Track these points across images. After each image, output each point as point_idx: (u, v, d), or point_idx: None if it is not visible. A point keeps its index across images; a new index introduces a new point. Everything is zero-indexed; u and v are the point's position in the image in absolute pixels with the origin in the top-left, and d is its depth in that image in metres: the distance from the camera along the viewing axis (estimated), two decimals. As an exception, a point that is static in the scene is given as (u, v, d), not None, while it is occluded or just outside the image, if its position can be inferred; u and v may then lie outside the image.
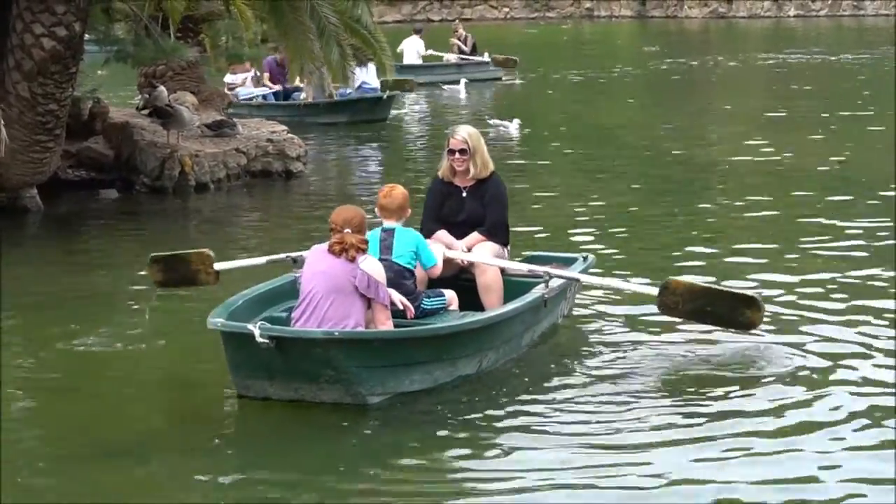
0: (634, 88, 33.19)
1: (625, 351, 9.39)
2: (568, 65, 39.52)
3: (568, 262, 10.25)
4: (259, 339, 7.88)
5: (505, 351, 9.08)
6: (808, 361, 9.03)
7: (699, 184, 17.36)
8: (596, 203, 15.96)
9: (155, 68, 21.37)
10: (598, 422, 7.89)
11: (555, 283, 9.51)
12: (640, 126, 24.21)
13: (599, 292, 10.85)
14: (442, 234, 9.98)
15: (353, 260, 8.38)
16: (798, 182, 16.82)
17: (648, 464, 7.26)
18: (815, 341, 9.52)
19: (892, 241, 12.92)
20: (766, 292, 10.73)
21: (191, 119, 17.87)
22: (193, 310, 10.78)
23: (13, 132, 14.37)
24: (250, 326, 7.98)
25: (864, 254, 12.46)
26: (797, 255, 12.48)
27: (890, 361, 8.98)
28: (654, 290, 9.22)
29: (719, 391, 8.42)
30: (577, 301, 10.53)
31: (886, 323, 9.94)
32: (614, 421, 7.90)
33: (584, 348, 9.57)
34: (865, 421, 7.85)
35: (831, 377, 8.69)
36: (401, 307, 8.75)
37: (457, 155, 9.97)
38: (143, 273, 11.45)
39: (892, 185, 15.95)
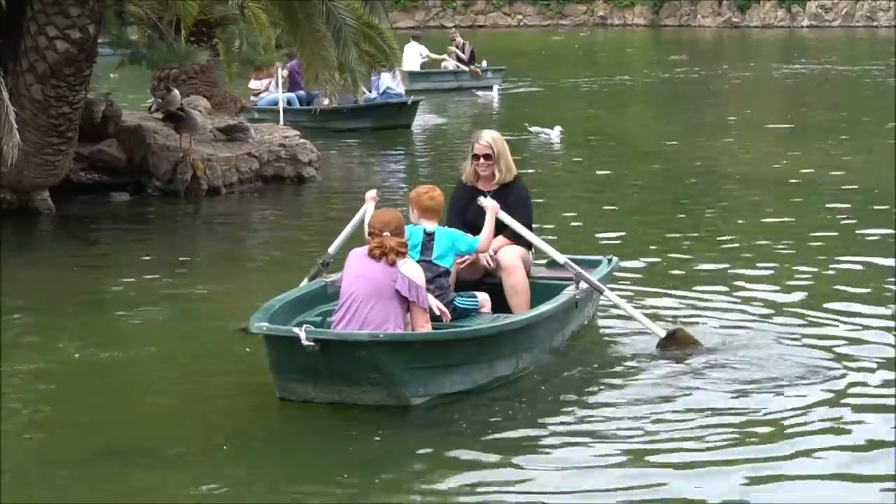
0: (667, 96, 33.14)
1: (649, 354, 9.40)
2: (601, 71, 39.65)
3: (593, 265, 10.20)
4: (305, 342, 7.93)
5: (539, 352, 9.13)
6: (831, 370, 9.03)
7: (724, 193, 17.36)
8: (618, 208, 16.07)
9: (168, 72, 21.40)
10: (631, 428, 7.93)
11: (584, 284, 9.58)
12: (666, 135, 24.07)
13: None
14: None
15: (393, 264, 8.42)
16: (820, 192, 16.85)
17: (685, 466, 7.31)
18: (836, 347, 9.53)
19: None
20: (783, 297, 10.82)
21: (203, 123, 17.88)
22: (204, 312, 10.81)
23: (26, 135, 14.37)
24: (296, 330, 8.03)
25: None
26: (812, 265, 12.47)
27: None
28: (662, 333, 9.40)
29: (755, 398, 8.44)
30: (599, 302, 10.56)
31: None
32: (644, 428, 7.92)
33: (610, 351, 9.63)
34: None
35: (857, 387, 8.67)
36: (437, 312, 8.82)
37: (481, 160, 10.00)
38: (177, 290, 11.54)
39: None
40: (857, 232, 14.05)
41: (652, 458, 7.39)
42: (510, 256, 9.77)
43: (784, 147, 21.51)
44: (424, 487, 7.15)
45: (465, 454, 7.51)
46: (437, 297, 8.94)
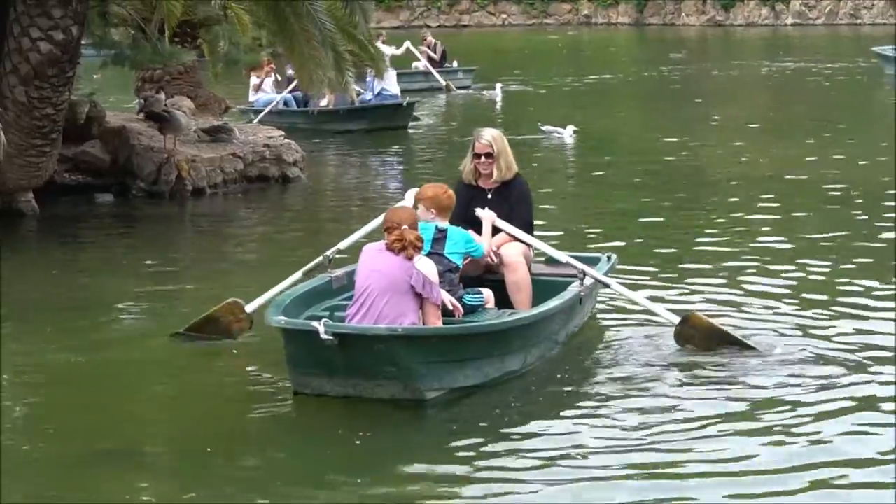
0: (668, 94, 33.22)
1: (647, 350, 9.54)
2: (591, 70, 39.71)
3: (592, 262, 10.30)
4: (323, 336, 8.02)
5: (546, 347, 9.28)
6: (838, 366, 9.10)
7: (717, 191, 17.43)
8: (615, 206, 16.24)
9: (152, 73, 21.37)
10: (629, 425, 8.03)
11: (588, 280, 9.70)
12: (663, 133, 24.04)
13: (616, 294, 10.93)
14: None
15: (410, 258, 8.55)
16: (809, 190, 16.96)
17: (696, 461, 7.41)
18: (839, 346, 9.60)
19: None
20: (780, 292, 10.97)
21: (187, 123, 17.86)
22: (189, 313, 10.79)
23: (10, 136, 14.36)
24: (314, 324, 8.11)
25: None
26: (805, 259, 12.58)
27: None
28: (675, 319, 9.49)
29: (757, 394, 8.53)
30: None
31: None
32: (649, 424, 8.01)
33: (612, 345, 9.76)
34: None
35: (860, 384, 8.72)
36: (450, 307, 8.95)
37: (482, 158, 10.11)
38: (163, 290, 11.58)
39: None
40: (854, 226, 14.20)
41: (661, 454, 7.50)
42: (513, 253, 9.90)
43: (783, 144, 21.54)
44: (439, 481, 7.22)
45: (479, 448, 7.61)
46: (446, 292, 9.05)
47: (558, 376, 8.99)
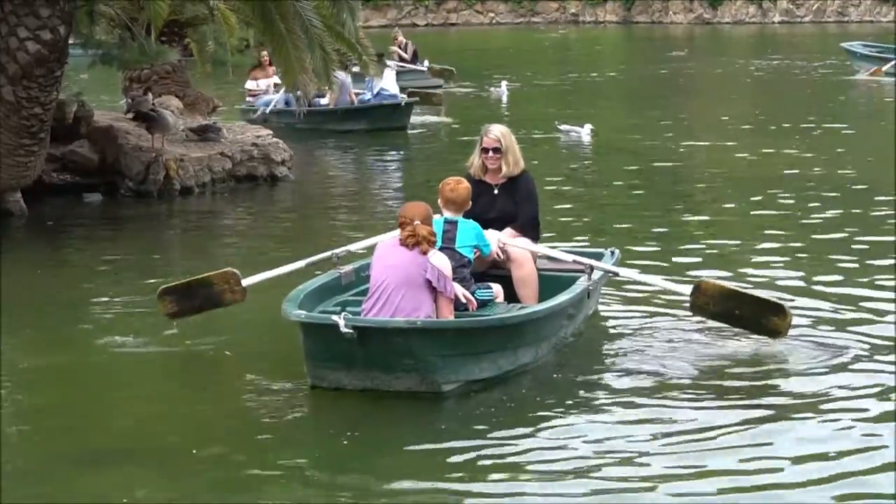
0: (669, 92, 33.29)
1: (653, 341, 9.72)
2: (586, 68, 39.77)
3: (597, 258, 10.43)
4: (343, 330, 8.13)
5: (556, 340, 9.44)
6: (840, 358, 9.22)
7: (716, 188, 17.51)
8: (617, 203, 16.40)
9: (140, 72, 21.38)
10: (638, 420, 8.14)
11: (596, 275, 9.86)
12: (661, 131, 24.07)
13: (621, 289, 11.05)
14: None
15: (425, 253, 8.67)
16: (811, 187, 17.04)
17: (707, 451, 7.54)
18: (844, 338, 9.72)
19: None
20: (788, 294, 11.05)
21: (175, 123, 17.87)
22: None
23: (-3, 136, 14.37)
24: (334, 317, 8.22)
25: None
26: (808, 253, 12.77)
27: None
28: (687, 290, 9.49)
29: (759, 385, 8.66)
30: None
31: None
32: (657, 418, 8.12)
33: (613, 338, 9.93)
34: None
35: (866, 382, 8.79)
36: (464, 301, 9.04)
37: (490, 153, 10.20)
38: (152, 289, 11.50)
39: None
40: (849, 221, 14.34)
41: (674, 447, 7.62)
42: (519, 249, 9.98)
43: (782, 143, 21.60)
44: (458, 471, 7.32)
45: (497, 440, 7.73)
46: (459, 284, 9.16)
47: (568, 369, 9.16)
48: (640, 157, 20.56)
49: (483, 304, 9.39)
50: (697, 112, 27.53)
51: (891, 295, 10.89)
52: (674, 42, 53.90)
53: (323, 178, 20.06)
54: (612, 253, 10.75)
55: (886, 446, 7.55)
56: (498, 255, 9.93)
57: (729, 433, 7.75)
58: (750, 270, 11.93)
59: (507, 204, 10.19)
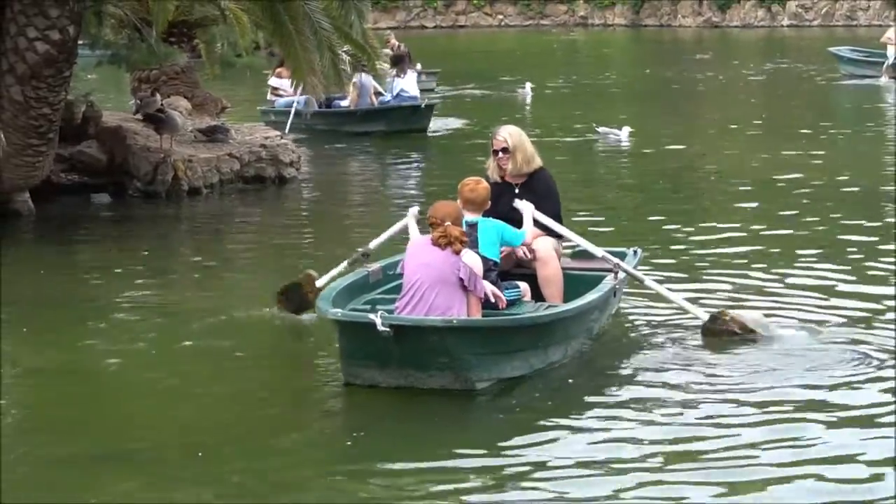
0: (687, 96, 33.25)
1: (676, 341, 9.80)
2: (595, 70, 39.64)
3: (619, 257, 10.44)
4: (380, 328, 8.21)
5: (583, 339, 9.57)
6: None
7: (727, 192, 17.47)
8: (646, 206, 16.38)
9: (149, 73, 21.37)
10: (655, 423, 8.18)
11: (621, 274, 9.99)
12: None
13: (642, 286, 10.97)
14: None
15: (458, 252, 8.77)
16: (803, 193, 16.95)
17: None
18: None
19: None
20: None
21: (183, 124, 17.85)
22: (185, 313, 10.81)
23: (6, 136, 14.36)
24: (371, 316, 8.31)
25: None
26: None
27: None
28: (705, 317, 9.81)
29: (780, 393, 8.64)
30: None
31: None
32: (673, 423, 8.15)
33: (637, 337, 10.02)
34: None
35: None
36: (493, 300, 9.13)
37: (500, 154, 10.31)
38: (159, 289, 11.61)
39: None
40: (853, 224, 14.35)
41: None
42: (545, 247, 10.06)
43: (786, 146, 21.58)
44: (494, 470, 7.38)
45: (532, 437, 7.82)
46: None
47: (596, 367, 9.30)
48: (673, 159, 20.56)
49: (511, 302, 9.46)
50: (731, 115, 27.42)
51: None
52: (683, 45, 53.89)
53: (333, 180, 20.02)
54: (636, 252, 10.83)
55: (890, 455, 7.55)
56: (525, 253, 9.99)
57: (754, 443, 7.72)
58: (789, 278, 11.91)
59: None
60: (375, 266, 10.01)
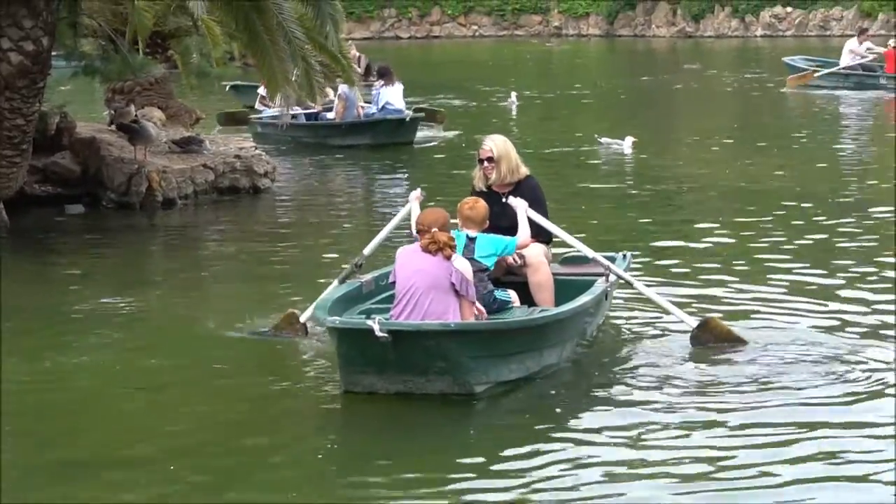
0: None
1: (667, 344, 9.95)
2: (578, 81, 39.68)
3: (610, 261, 10.53)
4: (379, 334, 8.29)
5: (577, 342, 9.70)
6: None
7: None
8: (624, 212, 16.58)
9: (123, 84, 21.34)
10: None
11: (612, 277, 10.12)
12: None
13: (630, 290, 11.07)
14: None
15: (449, 258, 8.87)
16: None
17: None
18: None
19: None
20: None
21: (157, 135, 17.85)
22: (160, 324, 10.81)
23: (-20, 147, 14.34)
24: (369, 322, 8.39)
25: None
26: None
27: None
28: (693, 322, 9.92)
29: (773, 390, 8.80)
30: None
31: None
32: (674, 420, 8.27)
33: (628, 340, 10.18)
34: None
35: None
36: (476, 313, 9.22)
37: (485, 163, 10.43)
38: (133, 299, 11.63)
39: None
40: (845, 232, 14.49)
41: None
42: (535, 253, 10.17)
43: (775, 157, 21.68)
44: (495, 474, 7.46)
45: (532, 440, 7.93)
46: (477, 288, 9.25)
47: (589, 372, 9.46)
48: (672, 168, 20.63)
49: (501, 308, 9.56)
50: (731, 125, 27.51)
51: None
52: (658, 55, 54.06)
53: (308, 192, 19.97)
54: (625, 256, 10.93)
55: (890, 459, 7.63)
56: (515, 259, 10.07)
57: (752, 442, 7.84)
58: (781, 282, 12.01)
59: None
60: (368, 277, 10.11)
